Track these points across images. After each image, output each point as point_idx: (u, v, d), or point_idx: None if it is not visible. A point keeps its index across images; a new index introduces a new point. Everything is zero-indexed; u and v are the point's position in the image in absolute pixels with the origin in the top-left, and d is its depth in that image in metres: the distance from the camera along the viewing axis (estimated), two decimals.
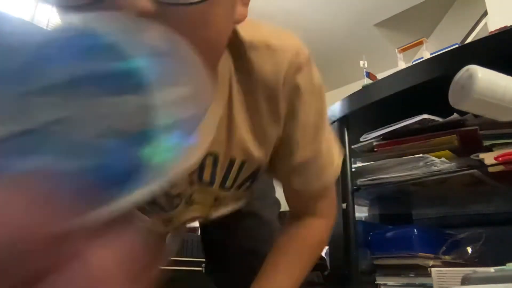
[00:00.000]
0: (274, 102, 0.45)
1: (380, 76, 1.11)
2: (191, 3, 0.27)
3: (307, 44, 0.53)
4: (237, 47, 0.43)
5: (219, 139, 0.44)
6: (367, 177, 0.99)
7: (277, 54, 0.44)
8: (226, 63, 0.43)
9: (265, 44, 0.44)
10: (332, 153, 0.52)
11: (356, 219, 1.00)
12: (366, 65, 1.36)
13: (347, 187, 1.01)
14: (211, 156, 0.46)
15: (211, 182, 0.48)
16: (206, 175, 0.47)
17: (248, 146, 0.46)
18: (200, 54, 0.24)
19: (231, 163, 0.47)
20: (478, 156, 0.81)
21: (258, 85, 0.44)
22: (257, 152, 0.47)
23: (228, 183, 0.50)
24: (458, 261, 0.92)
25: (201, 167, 0.46)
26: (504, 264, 0.54)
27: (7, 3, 2.47)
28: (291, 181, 0.51)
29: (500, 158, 0.76)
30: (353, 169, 1.03)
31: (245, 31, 0.43)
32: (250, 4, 0.38)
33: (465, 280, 0.51)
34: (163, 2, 0.26)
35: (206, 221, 0.59)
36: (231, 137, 0.45)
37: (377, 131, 0.98)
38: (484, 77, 0.44)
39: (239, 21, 0.38)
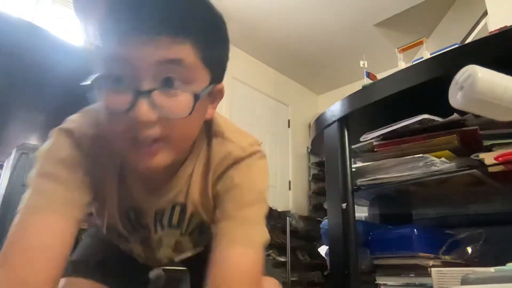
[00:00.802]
0: (218, 177, 0.60)
1: (380, 76, 1.11)
2: (181, 118, 0.48)
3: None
4: (211, 133, 0.61)
5: (183, 191, 0.61)
6: (367, 177, 0.99)
7: (227, 145, 0.60)
8: (201, 142, 0.60)
9: (222, 135, 0.60)
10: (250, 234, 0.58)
11: (356, 219, 1.00)
12: (366, 65, 1.36)
13: (347, 187, 1.01)
14: (179, 206, 0.62)
15: (179, 226, 0.64)
16: (175, 220, 0.63)
17: (196, 202, 0.61)
18: (180, 141, 0.50)
19: (195, 212, 0.63)
20: (478, 156, 0.81)
21: (212, 162, 0.59)
22: (201, 209, 0.62)
23: (191, 225, 0.65)
24: (458, 261, 0.92)
25: (171, 213, 0.62)
26: (504, 264, 0.54)
27: (7, 3, 2.47)
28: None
29: (500, 158, 0.76)
30: (353, 169, 1.03)
31: (219, 123, 0.61)
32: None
33: (465, 280, 0.51)
34: (162, 117, 0.47)
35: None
36: (188, 192, 0.61)
37: (377, 131, 0.98)
38: (484, 77, 0.44)
39: (207, 118, 0.56)
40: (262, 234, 0.58)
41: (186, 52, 0.48)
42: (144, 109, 0.45)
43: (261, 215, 0.60)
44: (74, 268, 0.67)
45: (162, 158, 0.50)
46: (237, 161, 0.59)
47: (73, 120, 0.62)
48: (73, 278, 0.65)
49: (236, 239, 0.55)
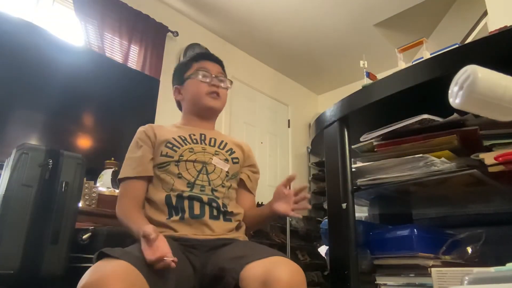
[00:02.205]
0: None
1: (380, 76, 1.11)
2: (227, 88, 1.28)
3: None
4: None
5: (216, 135, 1.25)
6: (367, 177, 0.99)
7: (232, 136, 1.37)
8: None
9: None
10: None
11: (356, 219, 1.00)
12: (366, 65, 1.36)
13: (347, 187, 1.01)
14: (213, 138, 1.21)
15: (213, 145, 1.19)
16: (211, 142, 1.20)
17: (224, 140, 1.24)
18: (224, 100, 1.27)
19: (222, 141, 1.22)
20: (478, 156, 0.81)
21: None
22: (228, 143, 1.24)
23: (221, 146, 1.20)
24: (458, 261, 0.92)
25: (210, 139, 1.20)
26: (504, 264, 0.54)
27: (7, 3, 2.47)
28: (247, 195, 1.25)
29: (500, 158, 0.76)
30: (353, 169, 1.03)
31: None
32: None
33: (465, 280, 0.51)
34: (222, 86, 1.26)
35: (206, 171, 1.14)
36: (220, 137, 1.25)
37: (377, 131, 0.98)
38: (484, 77, 0.44)
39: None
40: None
41: (221, 70, 1.29)
42: (216, 80, 1.23)
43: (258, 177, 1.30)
44: (127, 256, 0.78)
45: (219, 103, 1.23)
46: (242, 144, 1.29)
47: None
48: (125, 262, 0.75)
49: (252, 189, 1.26)
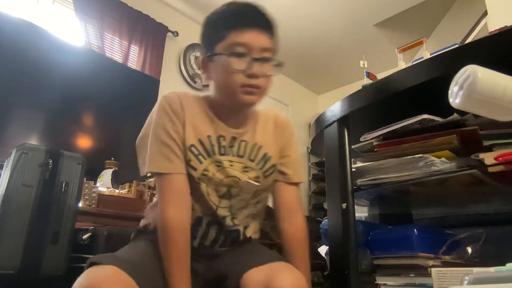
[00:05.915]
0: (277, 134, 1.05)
1: (380, 76, 1.11)
2: (269, 75, 0.91)
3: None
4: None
5: (248, 135, 1.00)
6: (367, 177, 0.99)
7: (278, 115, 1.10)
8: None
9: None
10: (299, 170, 1.08)
11: (356, 219, 1.00)
12: (366, 65, 1.36)
13: (347, 187, 1.01)
14: (243, 142, 0.98)
15: (242, 155, 0.98)
16: (241, 150, 0.98)
17: (258, 141, 1.00)
18: (265, 91, 0.93)
19: (255, 145, 0.99)
20: (478, 156, 0.81)
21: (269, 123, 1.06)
22: (262, 144, 1.00)
23: (253, 154, 0.99)
24: (458, 261, 0.92)
25: (239, 146, 0.98)
26: (504, 264, 0.54)
27: (7, 3, 2.47)
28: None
29: (500, 158, 0.76)
30: (353, 169, 1.03)
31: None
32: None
33: (465, 280, 0.51)
34: (262, 74, 0.89)
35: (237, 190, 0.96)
36: (254, 134, 1.00)
37: (377, 131, 0.98)
38: (484, 77, 0.44)
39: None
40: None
41: (270, 43, 0.91)
42: (257, 68, 0.88)
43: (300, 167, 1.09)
44: (117, 262, 0.76)
45: (255, 98, 0.91)
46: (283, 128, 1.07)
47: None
48: (116, 268, 0.74)
49: (291, 178, 1.04)
